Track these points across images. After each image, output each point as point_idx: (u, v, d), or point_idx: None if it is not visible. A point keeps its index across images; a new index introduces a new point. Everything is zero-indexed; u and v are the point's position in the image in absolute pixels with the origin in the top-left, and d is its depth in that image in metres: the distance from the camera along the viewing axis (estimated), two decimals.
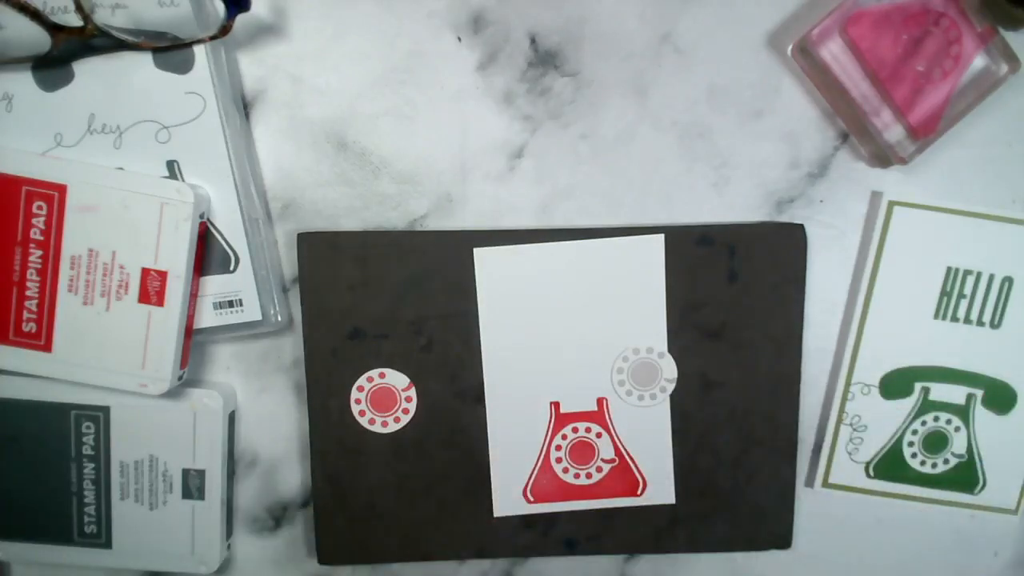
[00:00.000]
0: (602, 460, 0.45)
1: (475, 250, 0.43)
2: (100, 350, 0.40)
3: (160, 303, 0.40)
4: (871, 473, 0.46)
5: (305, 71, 0.43)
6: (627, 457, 0.45)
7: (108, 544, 0.44)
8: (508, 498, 0.45)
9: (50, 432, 0.43)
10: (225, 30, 0.39)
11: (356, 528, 0.45)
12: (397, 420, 0.44)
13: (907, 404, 0.45)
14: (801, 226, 0.44)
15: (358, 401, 0.44)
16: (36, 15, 0.37)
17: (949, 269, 0.44)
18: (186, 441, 0.43)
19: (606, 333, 0.44)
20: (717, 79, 0.43)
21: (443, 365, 0.44)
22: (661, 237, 0.43)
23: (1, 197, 0.39)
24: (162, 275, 0.40)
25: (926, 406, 0.45)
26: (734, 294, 0.44)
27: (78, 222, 0.39)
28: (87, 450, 0.43)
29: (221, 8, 0.39)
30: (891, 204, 0.44)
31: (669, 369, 0.44)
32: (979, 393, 0.45)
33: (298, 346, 0.45)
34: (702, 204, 0.44)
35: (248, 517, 0.46)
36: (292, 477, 0.46)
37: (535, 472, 0.45)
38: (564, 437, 0.45)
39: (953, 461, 0.46)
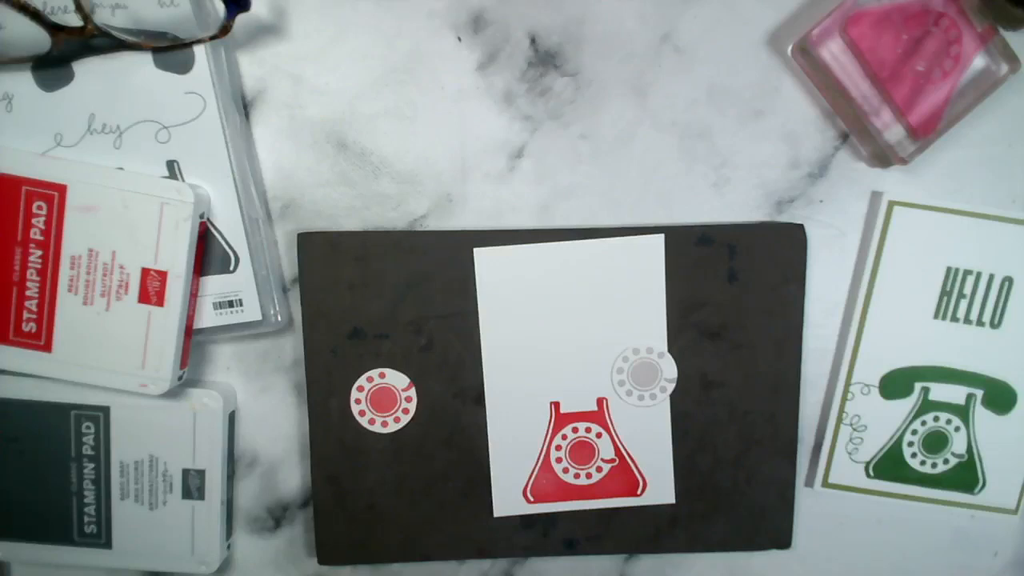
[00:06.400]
0: (602, 460, 0.45)
1: (475, 250, 0.43)
2: (100, 350, 0.40)
3: (160, 303, 0.40)
4: (871, 473, 0.46)
5: (305, 71, 0.43)
6: (627, 457, 0.45)
7: (108, 544, 0.44)
8: (508, 498, 0.45)
9: (50, 432, 0.43)
10: (225, 30, 0.39)
11: (356, 528, 0.45)
12: (397, 420, 0.44)
13: (907, 404, 0.45)
14: (801, 226, 0.44)
15: (358, 401, 0.44)
16: (36, 15, 0.37)
17: (949, 269, 0.44)
18: (186, 441, 0.43)
19: (606, 333, 0.44)
20: (717, 79, 0.43)
21: (443, 365, 0.44)
22: (661, 237, 0.43)
23: (1, 197, 0.39)
24: (162, 275, 0.40)
25: (926, 406, 0.45)
26: (734, 294, 0.44)
27: (78, 222, 0.39)
28: (87, 450, 0.43)
29: (221, 8, 0.39)
30: (891, 204, 0.43)
31: (669, 369, 0.44)
32: (979, 393, 0.45)
33: (298, 346, 0.45)
34: (702, 204, 0.44)
35: (248, 517, 0.46)
36: (292, 477, 0.46)
37: (535, 472, 0.45)
38: (564, 437, 0.45)
39: (953, 461, 0.46)
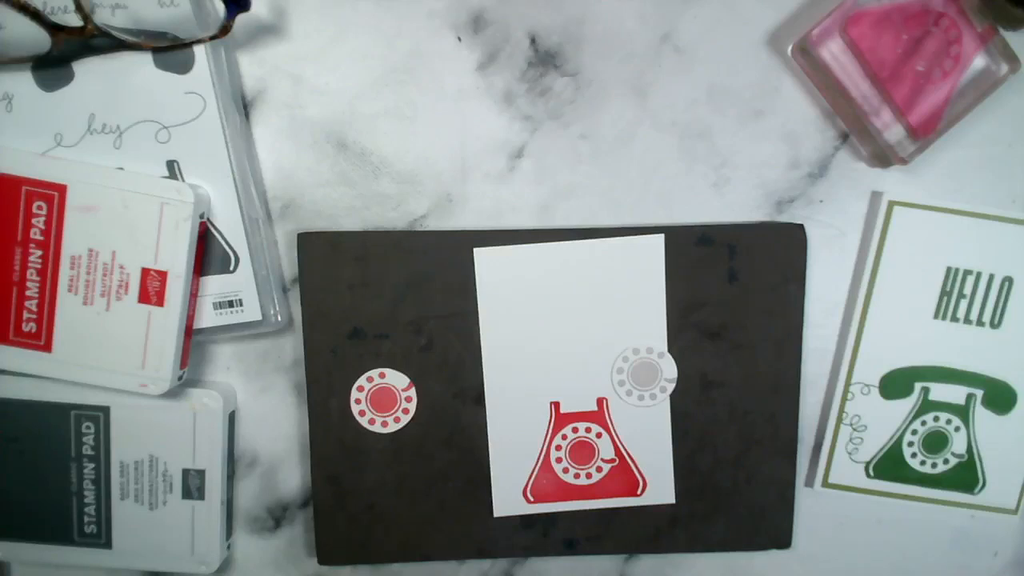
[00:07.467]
0: (602, 460, 0.45)
1: (475, 250, 0.43)
2: (100, 350, 0.40)
3: (160, 303, 0.40)
4: (871, 473, 0.46)
5: (305, 71, 0.43)
6: (627, 457, 0.45)
7: (108, 544, 0.44)
8: (508, 498, 0.45)
9: (50, 432, 0.43)
10: (225, 30, 0.39)
11: (356, 528, 0.45)
12: (397, 420, 0.44)
13: (907, 404, 0.45)
14: (801, 226, 0.44)
15: (358, 401, 0.44)
16: (36, 15, 0.37)
17: (949, 269, 0.44)
18: (186, 441, 0.43)
19: (606, 333, 0.44)
20: (717, 79, 0.43)
21: (443, 365, 0.44)
22: (661, 237, 0.43)
23: (1, 197, 0.39)
24: (162, 275, 0.40)
25: (926, 406, 0.45)
26: (734, 294, 0.44)
27: (78, 222, 0.39)
28: (87, 450, 0.43)
29: (221, 8, 0.39)
30: (891, 204, 0.43)
31: (669, 369, 0.44)
32: (979, 393, 0.45)
33: (298, 346, 0.45)
34: (702, 204, 0.44)
35: (248, 517, 0.46)
36: (292, 477, 0.46)
37: (535, 472, 0.45)
38: (564, 437, 0.45)
39: (953, 461, 0.46)
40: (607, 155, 0.44)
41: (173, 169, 0.41)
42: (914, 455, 0.46)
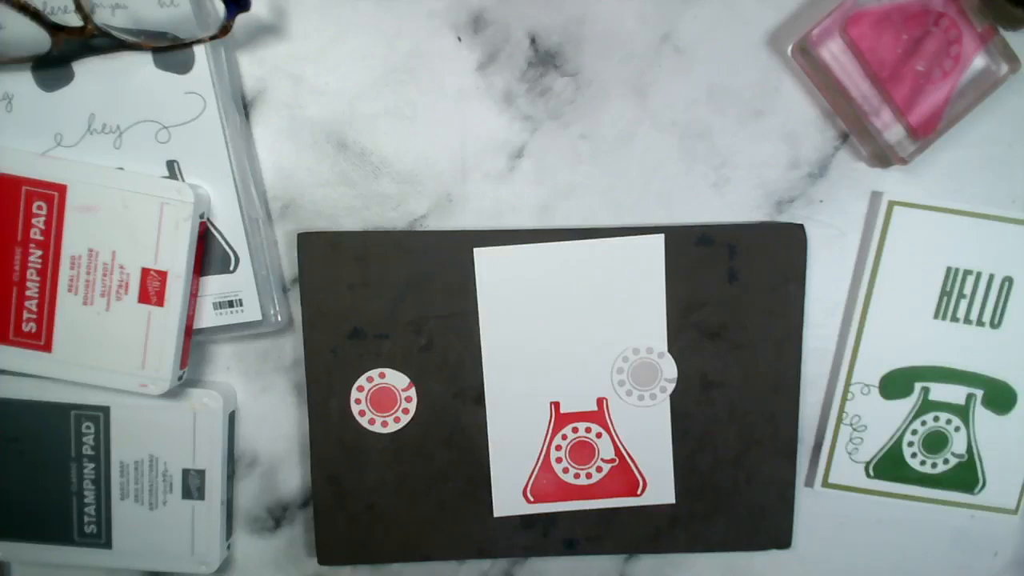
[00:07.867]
0: (602, 460, 0.45)
1: (475, 250, 0.43)
2: (100, 350, 0.40)
3: (160, 303, 0.40)
4: (871, 473, 0.46)
5: (305, 71, 0.43)
6: (627, 457, 0.45)
7: (108, 544, 0.44)
8: (508, 498, 0.45)
9: (50, 432, 0.43)
10: (225, 30, 0.39)
11: (356, 528, 0.45)
12: (397, 420, 0.44)
13: (907, 404, 0.45)
14: (801, 226, 0.44)
15: (358, 401, 0.44)
16: (36, 15, 0.37)
17: (949, 269, 0.44)
18: (186, 441, 0.43)
19: (606, 333, 0.44)
20: (717, 79, 0.43)
21: (443, 365, 0.44)
22: (661, 237, 0.43)
23: (1, 197, 0.39)
24: (162, 275, 0.40)
25: (926, 406, 0.45)
26: (734, 294, 0.44)
27: (78, 222, 0.39)
28: (87, 450, 0.43)
29: (221, 8, 0.39)
30: (891, 204, 0.44)
31: (669, 369, 0.44)
32: (979, 393, 0.45)
33: (298, 346, 0.45)
34: (702, 204, 0.44)
35: (248, 517, 0.46)
36: (292, 477, 0.46)
37: (535, 472, 0.45)
38: (564, 437, 0.45)
39: (953, 461, 0.46)
40: (607, 155, 0.44)
41: (173, 169, 0.41)
42: (914, 455, 0.46)
